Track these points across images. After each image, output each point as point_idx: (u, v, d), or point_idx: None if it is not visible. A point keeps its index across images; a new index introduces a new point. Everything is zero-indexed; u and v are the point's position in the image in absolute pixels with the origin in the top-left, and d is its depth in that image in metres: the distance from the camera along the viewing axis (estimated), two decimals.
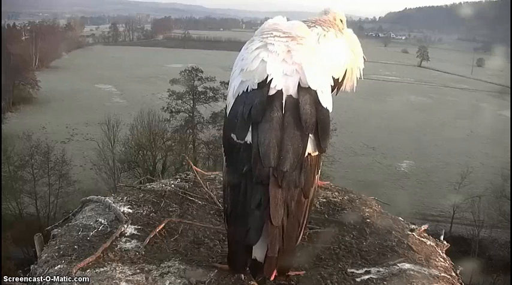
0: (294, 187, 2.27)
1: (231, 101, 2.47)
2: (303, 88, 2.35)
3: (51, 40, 57.20)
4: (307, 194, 2.35)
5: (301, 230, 2.40)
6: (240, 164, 2.30)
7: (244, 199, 2.28)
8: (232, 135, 2.37)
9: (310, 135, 2.31)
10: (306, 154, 2.31)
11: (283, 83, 2.35)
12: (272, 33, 2.58)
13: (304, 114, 2.30)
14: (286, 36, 2.55)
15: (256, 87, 2.36)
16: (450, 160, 32.40)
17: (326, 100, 2.41)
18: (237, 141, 2.34)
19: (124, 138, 26.42)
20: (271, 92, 2.32)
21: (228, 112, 2.46)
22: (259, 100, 2.31)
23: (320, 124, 2.33)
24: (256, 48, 2.53)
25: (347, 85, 3.41)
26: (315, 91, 2.37)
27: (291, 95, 2.34)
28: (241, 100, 2.38)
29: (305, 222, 2.42)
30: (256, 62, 2.45)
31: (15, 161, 24.00)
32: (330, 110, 2.43)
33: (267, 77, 2.36)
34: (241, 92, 2.40)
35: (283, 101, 2.32)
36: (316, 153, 2.37)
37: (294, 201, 2.29)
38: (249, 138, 2.29)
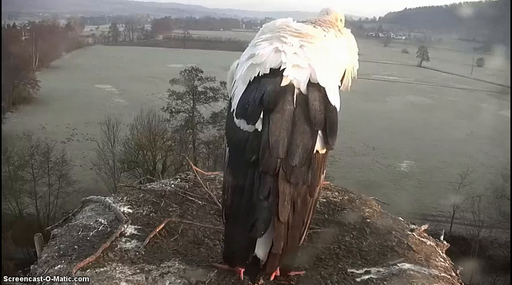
0: (302, 184, 2.26)
1: (239, 86, 2.44)
2: (312, 84, 2.36)
3: (51, 40, 57.11)
4: (312, 193, 2.34)
5: (304, 229, 2.39)
6: (248, 153, 2.26)
7: (250, 190, 2.23)
8: (239, 120, 2.34)
9: (318, 131, 2.31)
10: (314, 151, 2.31)
11: (295, 76, 2.35)
12: (285, 29, 2.63)
13: (313, 110, 2.29)
14: (298, 33, 2.60)
15: (268, 72, 2.36)
16: (450, 160, 32.37)
17: (334, 98, 2.42)
18: (244, 129, 2.31)
19: (124, 138, 26.41)
20: (284, 82, 2.32)
21: (237, 99, 2.41)
22: (272, 88, 2.30)
23: (328, 121, 2.33)
24: (269, 38, 2.56)
25: (343, 85, 3.44)
26: (324, 89, 2.38)
27: (301, 90, 2.34)
28: (253, 87, 2.36)
29: (309, 222, 2.41)
30: (270, 48, 2.47)
31: (15, 161, 24.00)
32: (338, 108, 2.44)
33: (280, 65, 2.36)
34: (252, 77, 2.39)
35: (295, 95, 2.32)
36: (324, 151, 2.37)
37: (300, 198, 2.27)
38: (259, 126, 2.27)
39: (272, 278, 2.47)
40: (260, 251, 2.25)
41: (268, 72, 2.37)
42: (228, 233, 2.49)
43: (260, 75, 2.38)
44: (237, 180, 2.33)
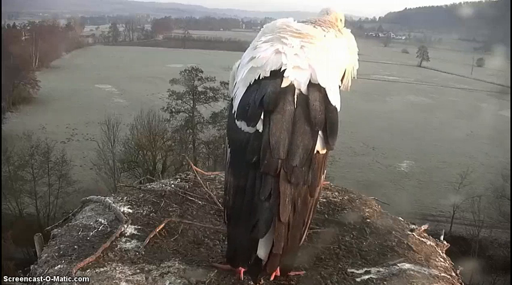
0: (302, 184, 2.26)
1: (240, 88, 2.45)
2: (313, 85, 2.36)
3: (51, 40, 57.06)
4: (313, 193, 2.34)
5: (305, 229, 2.39)
6: (249, 154, 2.26)
7: (251, 190, 2.24)
8: (239, 122, 2.34)
9: (319, 132, 2.31)
10: (315, 151, 2.31)
11: (295, 77, 2.36)
12: (285, 29, 2.63)
13: (313, 110, 2.30)
14: (298, 33, 2.60)
15: (269, 75, 2.36)
16: (450, 160, 32.35)
17: (335, 99, 2.42)
18: (245, 130, 2.31)
19: (124, 138, 26.39)
20: (284, 83, 2.32)
21: (238, 101, 2.42)
22: (273, 89, 2.30)
23: (329, 122, 2.34)
24: (270, 40, 2.57)
25: (343, 85, 3.44)
26: (324, 89, 2.38)
27: (301, 90, 2.34)
28: (253, 89, 2.37)
29: (309, 222, 2.41)
30: (270, 50, 2.47)
31: (15, 161, 23.98)
32: (339, 109, 2.44)
33: (281, 67, 2.37)
34: (252, 80, 2.39)
35: (295, 96, 2.32)
36: (324, 151, 2.37)
37: (301, 198, 2.27)
38: (259, 127, 2.27)
39: (272, 278, 2.47)
40: (261, 251, 2.25)
41: (268, 74, 2.37)
42: (230, 234, 2.49)
43: (260, 77, 2.38)
44: (238, 181, 2.33)
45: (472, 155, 33.63)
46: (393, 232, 3.24)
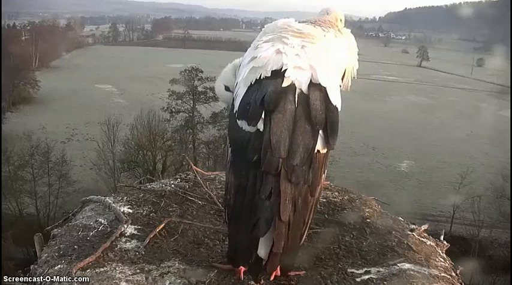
0: (303, 183, 2.27)
1: (241, 88, 2.45)
2: (313, 84, 2.37)
3: (51, 40, 57.03)
4: (313, 193, 2.34)
5: (305, 229, 2.39)
6: (250, 153, 2.27)
7: (252, 190, 2.25)
8: (240, 122, 2.35)
9: (319, 131, 2.32)
10: (315, 150, 2.31)
11: (296, 76, 2.36)
12: (286, 29, 2.65)
13: (314, 110, 2.30)
14: (300, 33, 2.61)
15: (270, 75, 2.37)
16: (450, 160, 32.35)
17: (335, 98, 2.42)
18: (246, 130, 2.32)
19: (124, 138, 26.38)
20: (285, 83, 2.33)
21: (239, 100, 2.43)
22: (274, 89, 2.30)
23: (329, 121, 2.34)
24: (271, 40, 2.57)
25: (343, 85, 3.44)
26: (325, 88, 2.38)
27: (302, 90, 2.35)
28: (254, 88, 2.37)
29: (310, 222, 2.41)
30: (271, 50, 2.47)
31: (15, 161, 23.96)
32: (339, 108, 2.44)
33: (282, 67, 2.37)
34: (253, 80, 2.40)
35: (296, 95, 2.32)
36: (325, 151, 2.37)
37: (301, 198, 2.28)
38: (260, 126, 2.27)
39: (272, 278, 2.47)
40: (262, 250, 2.26)
41: (269, 74, 2.37)
42: (231, 233, 2.49)
43: (262, 77, 2.38)
44: (239, 180, 2.34)
45: (472, 155, 33.63)
46: (393, 232, 3.24)
